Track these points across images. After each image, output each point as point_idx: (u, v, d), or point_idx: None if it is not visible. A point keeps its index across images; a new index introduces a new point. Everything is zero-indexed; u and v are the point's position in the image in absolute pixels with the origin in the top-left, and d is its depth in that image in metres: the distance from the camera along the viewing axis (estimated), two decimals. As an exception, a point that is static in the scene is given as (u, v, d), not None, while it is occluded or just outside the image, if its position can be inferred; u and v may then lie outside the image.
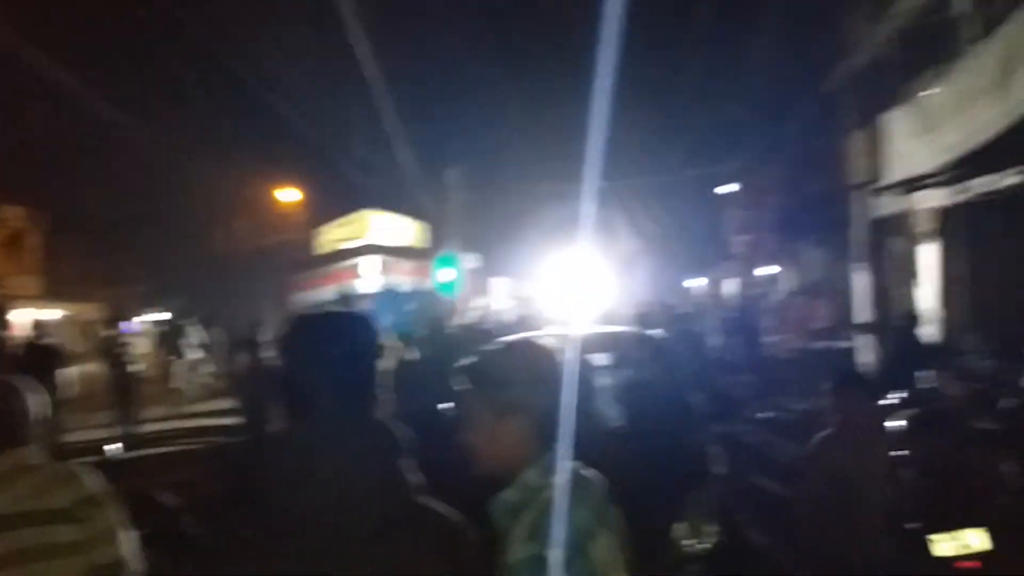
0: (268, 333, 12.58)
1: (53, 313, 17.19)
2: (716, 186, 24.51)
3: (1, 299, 11.90)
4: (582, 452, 1.71)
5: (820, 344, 13.83)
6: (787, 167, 20.39)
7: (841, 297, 16.28)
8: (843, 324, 13.67)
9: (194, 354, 13.99)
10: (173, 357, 14.01)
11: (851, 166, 15.33)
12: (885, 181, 10.78)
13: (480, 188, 24.42)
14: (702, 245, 27.27)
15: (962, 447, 5.14)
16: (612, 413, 5.51)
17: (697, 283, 28.13)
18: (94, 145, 18.72)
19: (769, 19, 17.00)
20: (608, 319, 11.97)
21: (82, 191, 19.27)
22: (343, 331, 1.42)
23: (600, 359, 6.59)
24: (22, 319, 14.46)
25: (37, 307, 16.04)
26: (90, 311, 17.78)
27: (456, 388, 1.66)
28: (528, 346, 1.73)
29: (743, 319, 13.26)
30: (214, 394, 13.76)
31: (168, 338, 14.81)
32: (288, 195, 20.96)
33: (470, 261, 21.65)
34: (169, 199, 20.31)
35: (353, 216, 19.93)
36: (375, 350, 1.43)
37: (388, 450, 1.34)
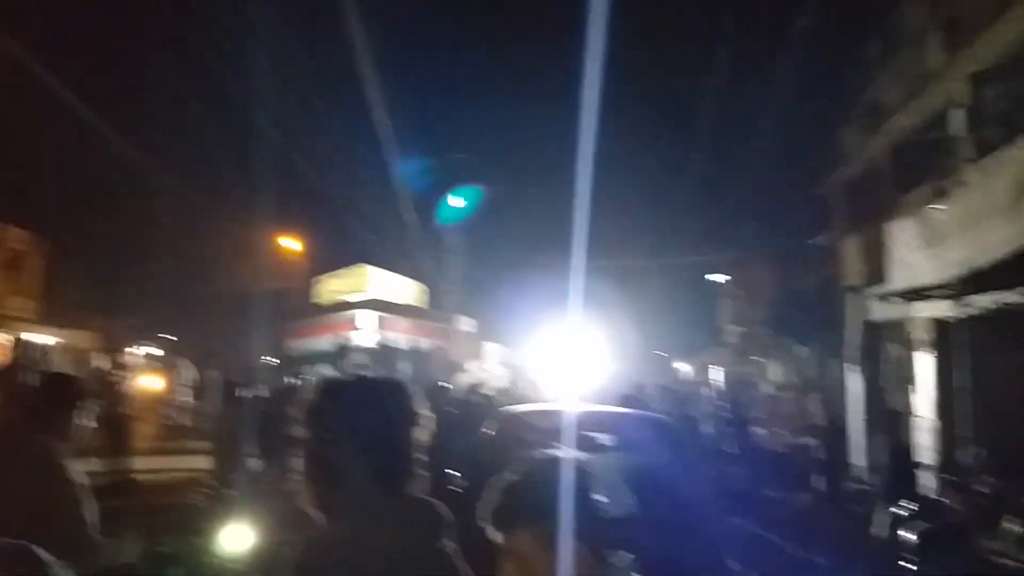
0: (261, 380, 12.58)
1: (47, 338, 16.98)
2: (707, 273, 24.99)
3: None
4: (589, 538, 1.66)
5: (810, 441, 13.91)
6: (779, 263, 20.90)
7: (831, 396, 16.46)
8: (832, 423, 13.78)
9: (185, 392, 13.82)
10: (165, 392, 13.86)
11: (844, 269, 15.77)
12: (885, 287, 11.09)
13: (478, 254, 24.81)
14: (691, 330, 27.56)
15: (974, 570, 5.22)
16: (620, 498, 5.51)
17: (685, 367, 28.30)
18: (103, 177, 18.87)
19: (769, 120, 17.76)
20: (599, 396, 12.02)
21: (87, 221, 19.34)
22: (379, 399, 1.29)
23: (603, 440, 6.61)
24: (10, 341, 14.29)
25: (31, 331, 15.86)
26: (84, 339, 17.58)
27: (490, 508, 1.58)
28: (561, 467, 1.62)
29: (735, 409, 13.38)
30: (203, 435, 13.53)
31: (162, 373, 14.68)
32: (291, 243, 21.14)
33: (465, 324, 21.76)
34: (173, 236, 20.39)
35: (353, 270, 20.06)
36: (412, 419, 1.31)
37: (434, 533, 1.23)
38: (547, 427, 4.51)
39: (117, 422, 10.54)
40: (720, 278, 24.36)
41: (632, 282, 27.55)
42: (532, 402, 11.09)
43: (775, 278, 20.77)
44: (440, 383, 12.92)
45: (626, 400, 11.09)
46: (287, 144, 15.46)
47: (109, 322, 17.96)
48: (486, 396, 12.67)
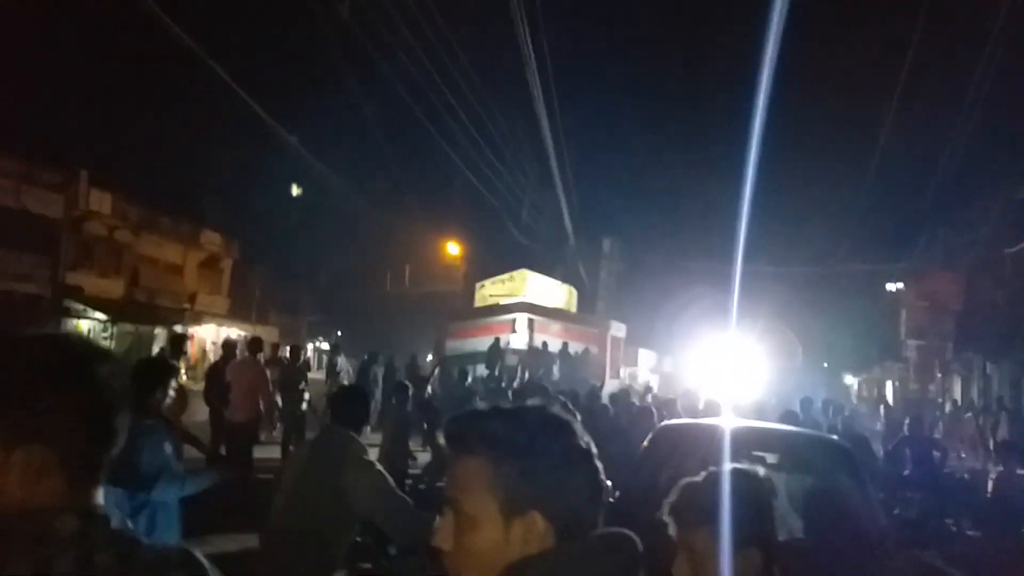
0: (425, 377, 13.13)
1: (235, 332, 18.78)
2: (882, 282, 23.30)
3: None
4: (762, 545, 1.68)
5: (999, 469, 12.60)
6: (970, 273, 19.10)
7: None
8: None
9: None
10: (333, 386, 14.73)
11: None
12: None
13: (632, 261, 24.54)
14: (861, 342, 25.81)
15: None
16: (787, 522, 5.25)
17: (854, 381, 26.57)
18: (286, 187, 20.52)
19: (963, 117, 16.19)
20: (758, 410, 11.50)
21: (268, 227, 21.15)
22: (573, 432, 1.17)
23: (769, 460, 6.31)
24: (208, 335, 15.86)
25: (222, 325, 17.53)
26: (266, 334, 19.23)
27: (671, 503, 1.68)
28: (741, 478, 1.69)
29: (912, 429, 12.35)
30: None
31: (330, 367, 15.61)
32: (453, 249, 22.00)
33: (617, 330, 21.62)
34: (345, 241, 21.82)
35: (511, 274, 20.52)
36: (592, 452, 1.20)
37: (633, 566, 1.15)
38: (709, 443, 4.38)
39: (296, 410, 11.39)
40: (897, 287, 22.66)
41: (796, 290, 26.16)
42: (684, 412, 10.82)
43: (963, 289, 19.05)
44: (592, 388, 12.86)
45: (790, 417, 10.53)
46: (453, 156, 15.96)
47: (288, 320, 19.54)
48: (641, 406, 12.47)
